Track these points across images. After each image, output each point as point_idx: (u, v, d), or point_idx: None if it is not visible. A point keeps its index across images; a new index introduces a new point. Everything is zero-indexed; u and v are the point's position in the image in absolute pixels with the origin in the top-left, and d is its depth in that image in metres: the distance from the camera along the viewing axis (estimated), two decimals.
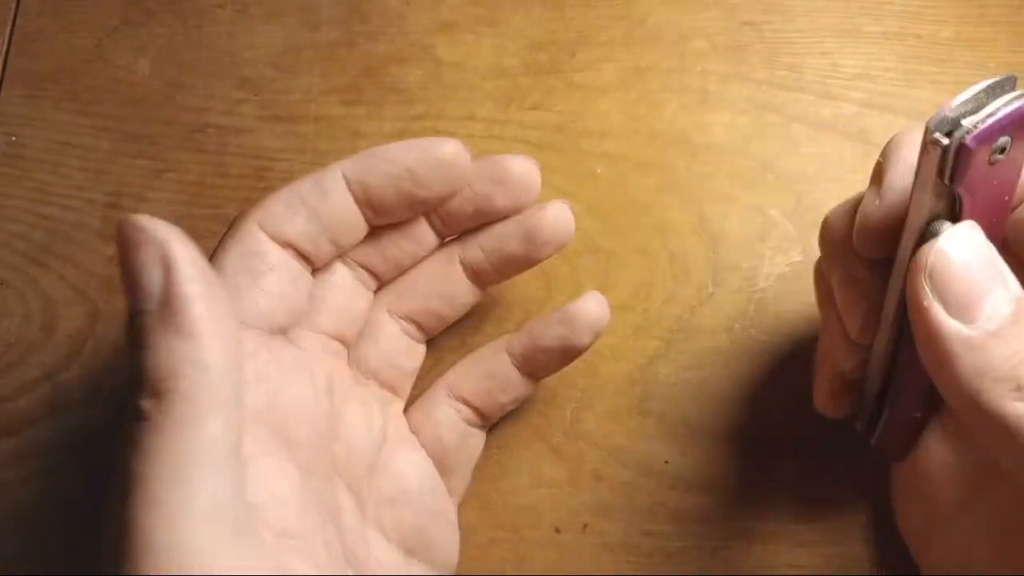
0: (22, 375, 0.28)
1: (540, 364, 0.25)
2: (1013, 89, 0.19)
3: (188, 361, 0.17)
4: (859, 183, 0.30)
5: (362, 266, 0.25)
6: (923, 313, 0.19)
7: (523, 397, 0.26)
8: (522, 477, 0.28)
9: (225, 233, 0.23)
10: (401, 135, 0.27)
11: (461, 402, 0.26)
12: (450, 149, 0.23)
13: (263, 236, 0.22)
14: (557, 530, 0.27)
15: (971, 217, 0.19)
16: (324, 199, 0.23)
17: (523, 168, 0.24)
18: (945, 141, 0.18)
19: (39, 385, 0.28)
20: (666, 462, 0.28)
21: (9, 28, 0.33)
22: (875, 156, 0.31)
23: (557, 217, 0.24)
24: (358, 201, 0.23)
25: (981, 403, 0.18)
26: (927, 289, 0.19)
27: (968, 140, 0.18)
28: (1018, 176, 0.20)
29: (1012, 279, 0.19)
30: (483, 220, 0.25)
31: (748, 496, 0.27)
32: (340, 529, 0.22)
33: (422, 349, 0.27)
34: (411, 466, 0.25)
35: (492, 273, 0.25)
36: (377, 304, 0.26)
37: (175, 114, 0.32)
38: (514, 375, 0.26)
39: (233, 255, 0.22)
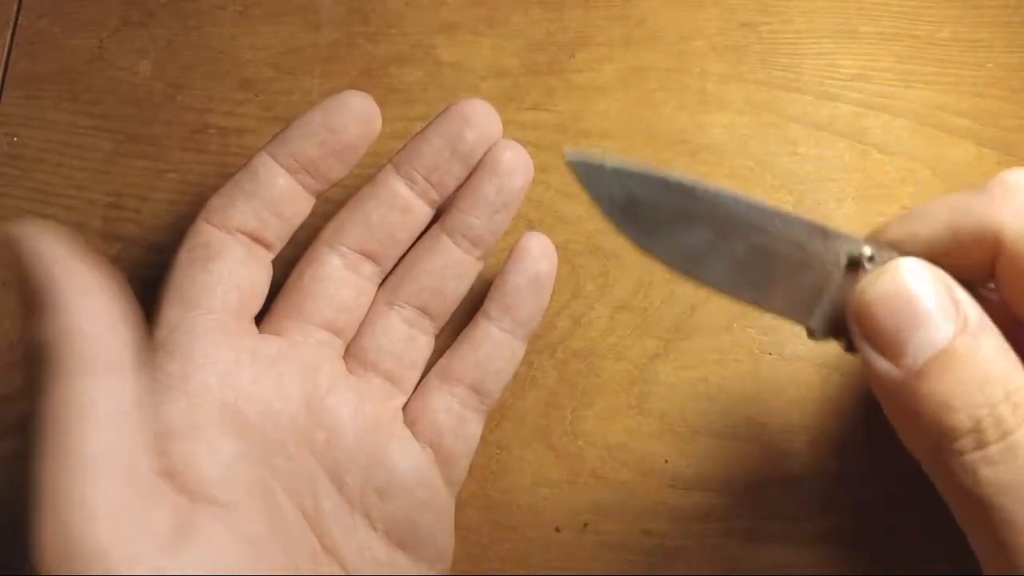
0: (25, 377, 0.29)
1: (518, 313, 0.26)
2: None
3: (56, 331, 0.18)
4: (857, 183, 0.31)
5: (356, 251, 0.26)
6: (863, 357, 0.18)
7: (514, 361, 0.27)
8: (522, 476, 0.28)
9: None
10: (402, 136, 0.27)
11: (455, 384, 0.26)
12: (351, 93, 0.26)
13: (208, 228, 0.24)
14: (557, 529, 0.27)
15: None
16: (256, 178, 0.25)
17: (480, 104, 0.26)
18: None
19: None
20: (666, 461, 0.28)
21: (10, 29, 0.33)
22: (873, 156, 0.31)
23: (510, 148, 0.26)
24: (290, 170, 0.25)
25: (921, 459, 0.18)
26: (856, 332, 0.18)
27: None
28: None
29: (959, 309, 0.17)
30: (462, 162, 0.26)
31: (747, 495, 0.27)
32: (310, 511, 0.23)
33: (427, 340, 0.27)
34: (404, 458, 0.25)
35: (479, 228, 0.26)
36: (378, 297, 0.27)
37: (176, 115, 0.32)
38: (499, 337, 0.26)
39: (183, 251, 0.24)
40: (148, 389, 0.22)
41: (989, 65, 0.32)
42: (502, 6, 0.33)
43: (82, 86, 0.32)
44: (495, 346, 0.26)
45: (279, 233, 0.25)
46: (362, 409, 0.25)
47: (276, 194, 0.25)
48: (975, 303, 0.18)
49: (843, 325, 0.19)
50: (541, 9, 0.33)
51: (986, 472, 0.16)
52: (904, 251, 0.20)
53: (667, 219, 0.19)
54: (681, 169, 0.31)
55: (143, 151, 0.31)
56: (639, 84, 0.32)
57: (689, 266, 0.19)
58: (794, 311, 0.20)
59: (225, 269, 0.24)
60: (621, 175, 0.19)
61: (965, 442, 0.17)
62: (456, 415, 0.26)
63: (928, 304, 0.17)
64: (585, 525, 0.27)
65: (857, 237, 0.20)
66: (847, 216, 0.30)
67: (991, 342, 0.17)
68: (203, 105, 0.32)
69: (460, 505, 0.27)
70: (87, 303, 0.19)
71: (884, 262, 0.19)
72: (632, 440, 0.28)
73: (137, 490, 0.18)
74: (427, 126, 0.27)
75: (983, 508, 0.16)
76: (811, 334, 0.20)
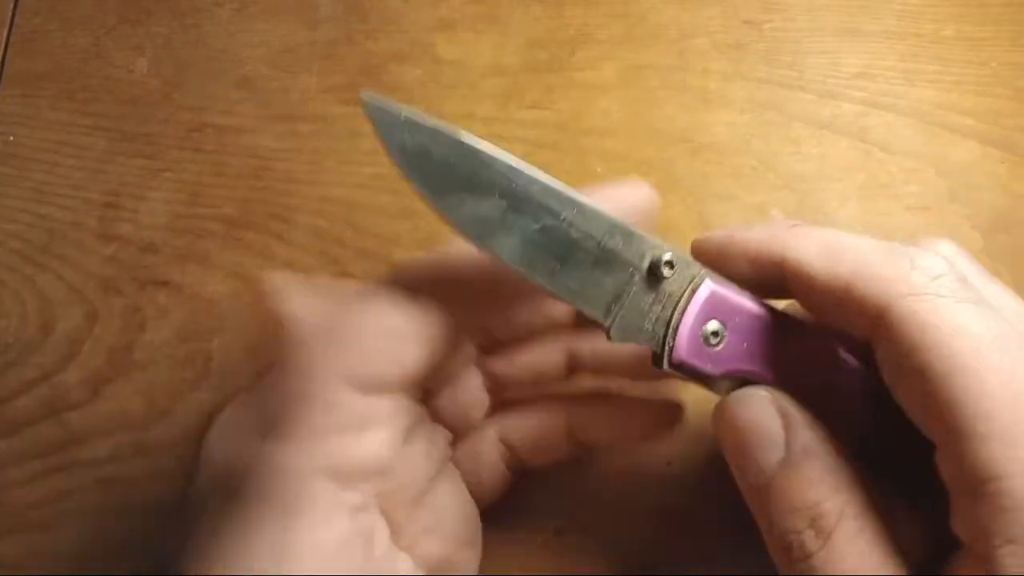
0: (20, 376, 0.28)
1: (588, 426, 0.25)
2: (684, 273, 0.20)
3: None
4: (860, 183, 0.30)
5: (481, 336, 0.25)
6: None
7: (561, 456, 0.26)
8: (523, 479, 0.27)
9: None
10: None
11: (508, 448, 0.25)
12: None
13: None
14: (558, 532, 0.27)
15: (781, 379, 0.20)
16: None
17: (645, 195, 0.23)
18: (664, 366, 0.20)
19: (37, 386, 0.28)
20: (668, 463, 0.27)
21: (7, 27, 0.32)
22: (876, 155, 0.31)
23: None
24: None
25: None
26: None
27: (676, 358, 0.20)
28: (773, 325, 0.21)
29: (789, 437, 0.20)
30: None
31: None
32: (370, 558, 0.22)
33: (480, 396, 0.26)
34: (451, 499, 0.24)
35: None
36: (468, 353, 0.25)
37: (173, 113, 0.31)
38: (565, 436, 0.25)
39: (393, 311, 0.21)
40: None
41: (993, 64, 0.32)
42: (502, 3, 0.33)
43: (78, 84, 0.32)
44: (558, 444, 0.25)
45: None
46: (431, 457, 0.24)
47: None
48: (808, 427, 0.19)
49: (641, 332, 0.20)
50: (541, 7, 0.33)
51: None
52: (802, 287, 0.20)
53: (460, 182, 0.19)
54: (682, 168, 0.30)
55: (139, 150, 0.31)
56: (640, 82, 0.32)
57: (481, 235, 0.19)
58: (591, 308, 0.20)
59: (423, 354, 0.21)
60: (414, 126, 0.18)
61: (780, 561, 0.19)
62: (499, 473, 0.25)
63: (760, 436, 0.20)
64: (586, 528, 0.27)
65: (660, 242, 0.20)
66: (850, 216, 0.30)
67: (808, 470, 0.19)
68: (200, 103, 0.32)
69: None
70: None
71: (684, 270, 0.20)
72: (634, 442, 0.28)
73: None
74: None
75: None
76: (608, 337, 0.20)
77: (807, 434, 0.19)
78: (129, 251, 0.30)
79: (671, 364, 0.20)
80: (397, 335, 0.21)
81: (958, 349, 0.17)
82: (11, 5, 0.33)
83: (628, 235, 0.20)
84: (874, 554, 0.18)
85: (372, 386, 0.21)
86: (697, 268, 0.20)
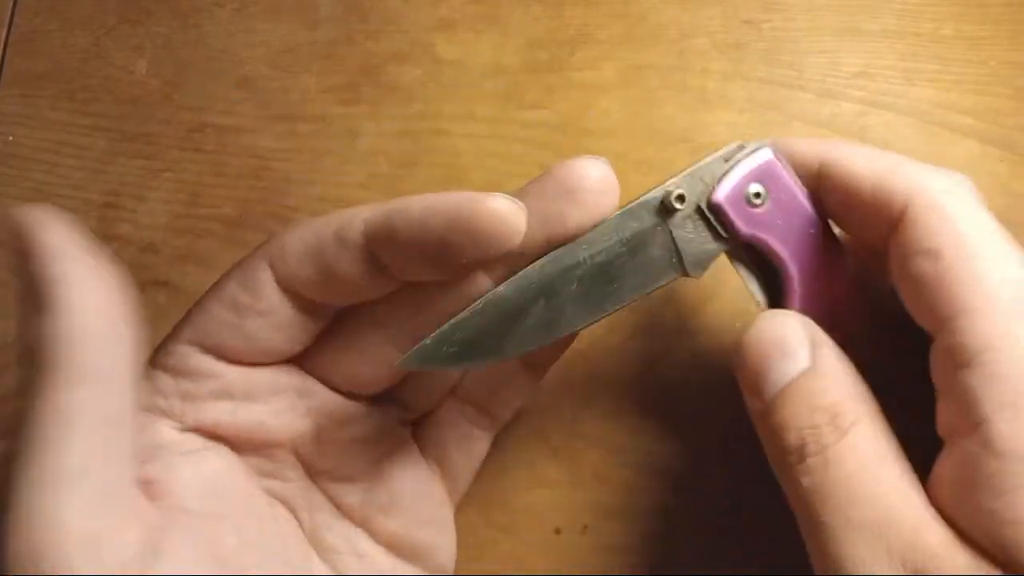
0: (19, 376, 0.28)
1: (537, 355, 0.24)
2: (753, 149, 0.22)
3: (52, 334, 0.17)
4: None
5: None
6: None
7: (526, 392, 0.26)
8: (522, 477, 0.27)
9: (242, 259, 0.22)
10: (400, 135, 0.27)
11: (464, 403, 0.25)
12: (498, 207, 0.19)
13: (267, 276, 0.21)
14: (557, 531, 0.27)
15: (800, 269, 0.22)
16: (341, 255, 0.21)
17: (599, 172, 0.20)
18: (680, 206, 0.21)
19: None
20: (667, 463, 0.27)
21: (6, 27, 0.33)
22: None
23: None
24: (371, 264, 0.21)
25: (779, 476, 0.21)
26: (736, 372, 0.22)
27: (715, 199, 0.21)
28: (810, 214, 0.22)
29: (811, 348, 0.21)
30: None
31: (749, 496, 0.27)
32: (307, 524, 0.23)
33: (455, 374, 0.26)
34: (408, 477, 0.24)
35: None
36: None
37: (173, 113, 0.31)
38: (515, 367, 0.25)
39: (233, 284, 0.21)
40: (144, 402, 0.21)
41: (992, 63, 0.32)
42: (502, 4, 0.33)
43: (78, 84, 0.32)
44: (511, 378, 0.25)
45: (337, 304, 0.22)
46: (374, 438, 0.24)
47: (354, 280, 0.21)
48: (834, 348, 0.21)
49: (706, 243, 0.21)
50: (541, 7, 0.33)
51: (805, 481, 0.19)
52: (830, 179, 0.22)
53: (504, 327, 0.20)
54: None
55: (139, 150, 0.31)
56: (640, 82, 0.32)
57: (551, 333, 0.20)
58: (664, 279, 0.21)
59: (262, 331, 0.21)
60: (442, 340, 0.20)
61: (792, 457, 0.20)
62: (464, 434, 0.25)
63: (785, 347, 0.21)
64: (585, 527, 0.27)
65: (653, 193, 0.21)
66: None
67: (834, 376, 0.20)
68: (200, 104, 0.32)
69: (458, 506, 0.26)
70: (88, 306, 0.18)
71: (694, 195, 0.21)
72: (633, 441, 0.28)
73: (110, 505, 0.17)
74: (526, 195, 0.20)
75: (806, 515, 0.19)
76: (692, 276, 0.22)
77: (833, 351, 0.21)
78: (129, 251, 0.30)
79: (708, 205, 0.21)
80: (239, 306, 0.21)
81: (972, 237, 0.19)
82: (11, 5, 0.33)
83: (631, 214, 0.21)
84: (880, 451, 0.19)
85: (223, 355, 0.22)
86: (696, 182, 0.21)
